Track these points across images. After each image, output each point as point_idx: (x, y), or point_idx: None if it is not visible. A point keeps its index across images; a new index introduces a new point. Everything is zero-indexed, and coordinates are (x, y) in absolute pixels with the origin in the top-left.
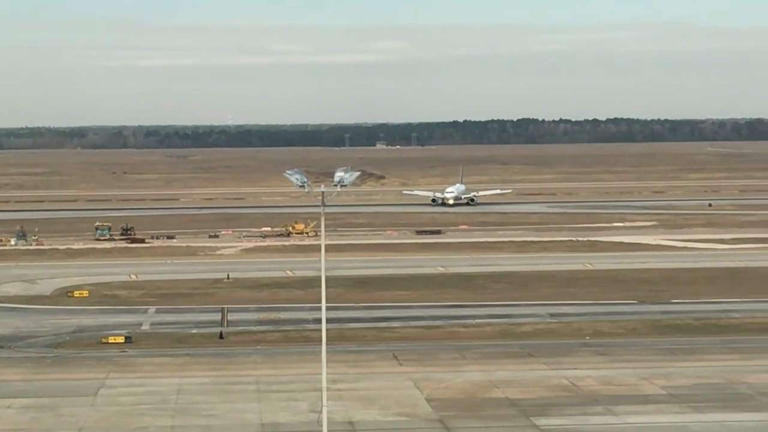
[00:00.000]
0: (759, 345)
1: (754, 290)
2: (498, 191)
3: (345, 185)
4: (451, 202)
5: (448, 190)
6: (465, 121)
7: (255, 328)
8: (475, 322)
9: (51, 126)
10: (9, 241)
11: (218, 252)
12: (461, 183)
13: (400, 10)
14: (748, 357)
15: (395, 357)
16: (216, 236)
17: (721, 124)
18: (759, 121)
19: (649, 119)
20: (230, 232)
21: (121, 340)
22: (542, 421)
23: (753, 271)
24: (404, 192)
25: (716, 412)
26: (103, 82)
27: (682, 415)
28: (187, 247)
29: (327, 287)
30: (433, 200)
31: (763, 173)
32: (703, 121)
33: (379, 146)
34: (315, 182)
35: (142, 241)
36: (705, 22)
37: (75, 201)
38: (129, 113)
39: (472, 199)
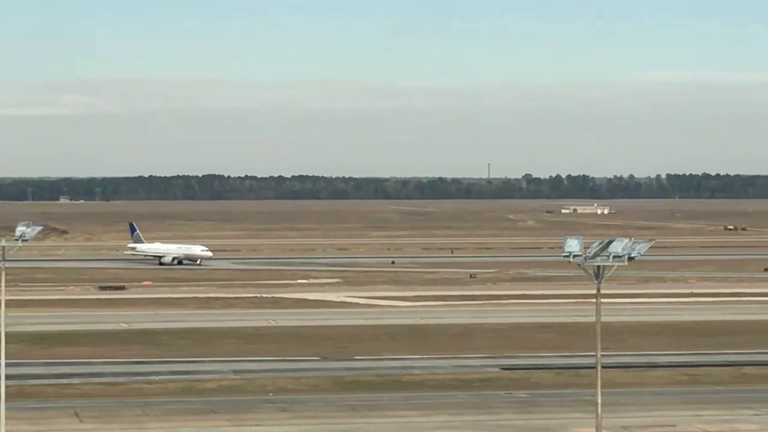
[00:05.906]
0: (438, 401)
1: (435, 347)
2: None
3: (27, 240)
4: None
5: (203, 248)
6: (150, 176)
7: None
8: (158, 379)
9: None
10: None
11: None
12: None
13: (85, 64)
14: (428, 413)
15: (76, 414)
16: None
17: (405, 182)
18: (441, 180)
19: (333, 177)
20: None
21: None
22: None
23: (433, 328)
24: (128, 252)
25: None
26: None
27: None
28: None
29: (7, 343)
30: (180, 261)
31: (445, 231)
32: (387, 180)
33: (63, 201)
34: None
35: None
36: (383, 81)
37: None
38: None
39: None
